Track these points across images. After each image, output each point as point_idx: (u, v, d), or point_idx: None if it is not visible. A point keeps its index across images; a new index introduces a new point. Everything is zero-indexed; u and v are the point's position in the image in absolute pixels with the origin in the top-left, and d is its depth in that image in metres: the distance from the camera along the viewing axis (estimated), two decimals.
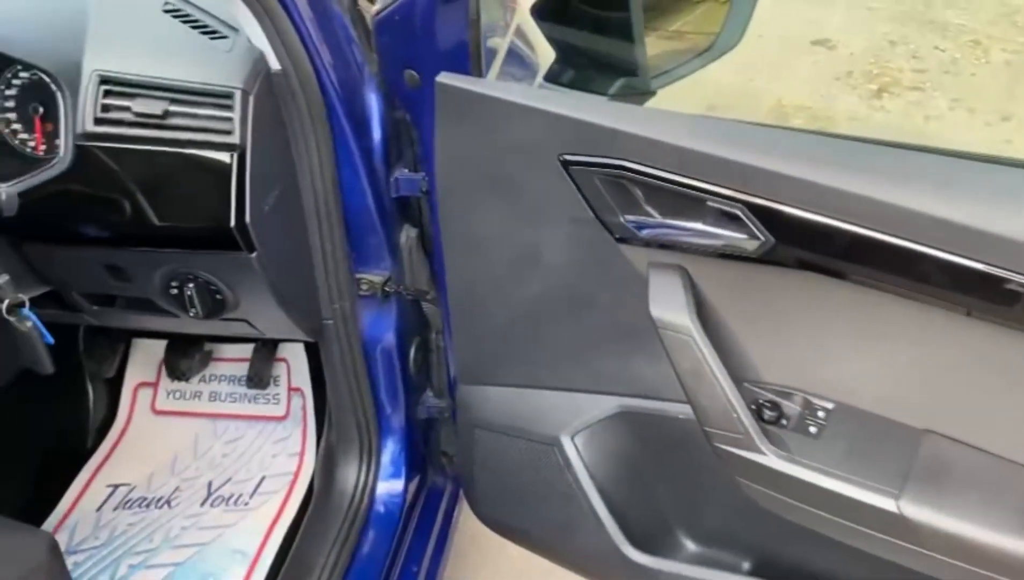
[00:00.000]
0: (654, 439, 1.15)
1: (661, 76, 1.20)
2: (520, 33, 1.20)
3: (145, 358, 1.82)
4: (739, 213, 0.91)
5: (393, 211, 1.35)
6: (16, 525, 1.13)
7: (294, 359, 1.77)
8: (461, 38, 1.05)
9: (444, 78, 1.03)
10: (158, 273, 1.17)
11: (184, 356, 1.72)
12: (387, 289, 1.35)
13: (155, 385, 1.82)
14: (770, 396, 1.04)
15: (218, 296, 1.19)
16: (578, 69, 1.17)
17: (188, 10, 1.17)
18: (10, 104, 1.14)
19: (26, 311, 1.06)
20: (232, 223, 1.08)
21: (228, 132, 1.07)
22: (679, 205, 0.96)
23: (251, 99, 1.08)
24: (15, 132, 1.15)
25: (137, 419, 1.80)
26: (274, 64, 1.12)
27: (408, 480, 1.49)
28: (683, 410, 1.07)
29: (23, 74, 1.13)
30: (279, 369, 1.78)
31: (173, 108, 1.07)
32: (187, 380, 1.76)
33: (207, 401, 1.81)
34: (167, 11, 1.16)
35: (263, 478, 1.68)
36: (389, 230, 1.35)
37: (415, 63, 1.10)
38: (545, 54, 1.13)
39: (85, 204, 1.10)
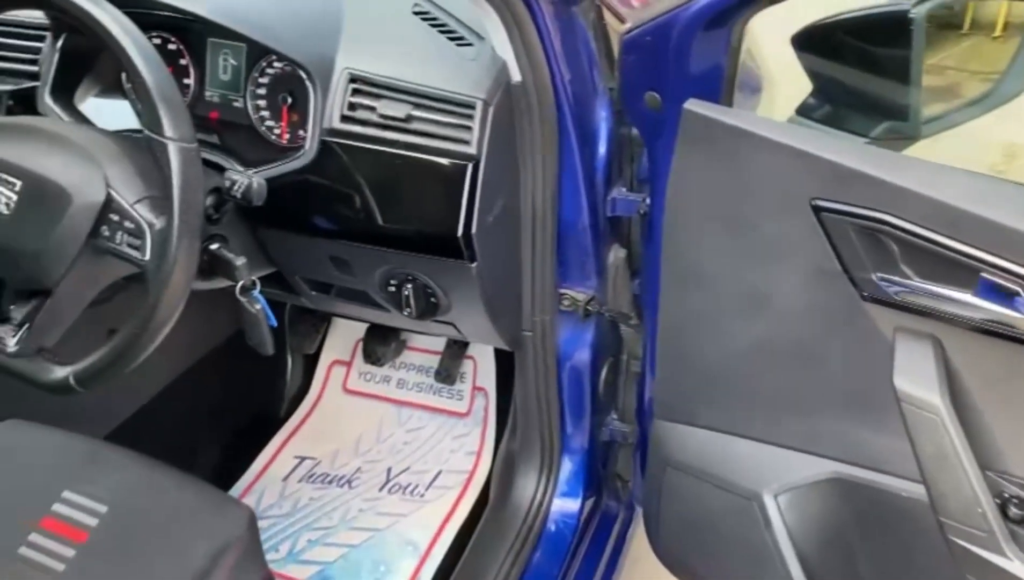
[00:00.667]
0: (869, 513, 1.06)
1: (933, 122, 1.09)
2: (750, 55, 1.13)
3: (343, 338, 1.89)
4: (1020, 290, 0.81)
5: (605, 230, 1.32)
6: (222, 497, 1.19)
7: (482, 359, 1.78)
8: (716, 65, 1.00)
9: (693, 105, 0.98)
10: (380, 270, 1.19)
11: (381, 342, 1.77)
12: (589, 308, 1.32)
13: (349, 364, 1.89)
14: (1018, 491, 0.93)
15: (432, 299, 1.20)
16: (837, 106, 1.09)
17: (437, 13, 1.17)
18: (261, 91, 1.19)
19: (256, 293, 1.10)
20: (459, 233, 1.07)
21: (466, 142, 1.06)
22: (943, 270, 0.86)
23: (491, 110, 1.08)
24: (263, 118, 1.19)
25: (328, 395, 1.87)
26: (515, 76, 1.11)
27: (584, 500, 1.46)
28: (911, 489, 0.98)
29: (277, 64, 1.17)
30: (466, 366, 1.80)
31: (416, 112, 1.08)
32: (380, 365, 1.81)
33: (395, 387, 1.85)
34: (417, 13, 1.17)
35: (440, 472, 1.70)
36: (598, 249, 1.32)
37: (660, 86, 1.05)
38: (800, 86, 1.06)
39: (321, 197, 1.14)
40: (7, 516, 1.13)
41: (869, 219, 0.89)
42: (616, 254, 1.34)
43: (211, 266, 1.10)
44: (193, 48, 1.22)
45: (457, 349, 1.77)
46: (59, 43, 1.18)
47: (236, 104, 1.21)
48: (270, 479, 1.71)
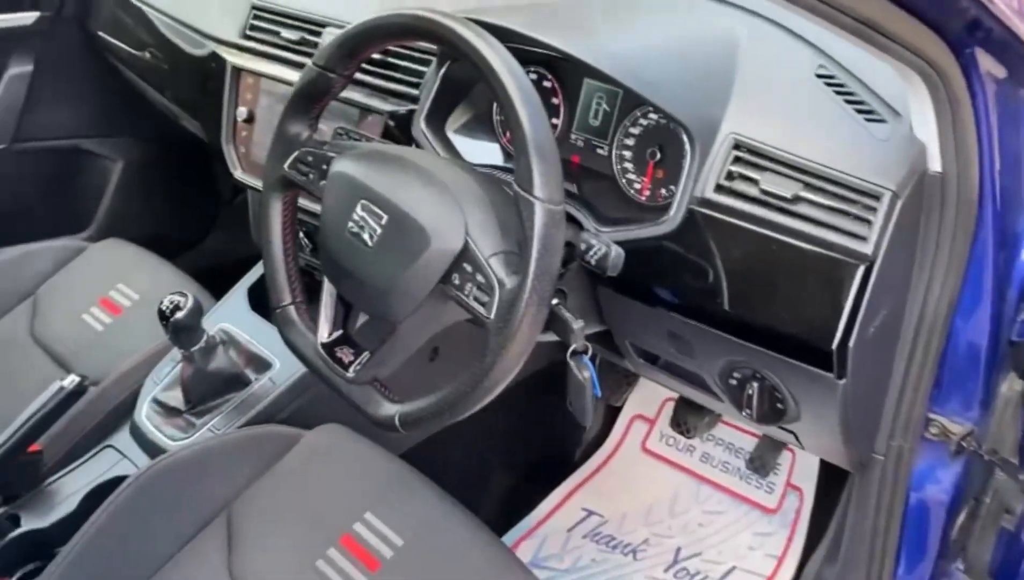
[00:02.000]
0: None
1: None
2: None
3: (651, 392, 1.78)
4: None
5: (1005, 354, 1.08)
6: (508, 559, 1.12)
7: (803, 454, 1.58)
8: None
9: None
10: (724, 359, 1.05)
11: (695, 413, 1.63)
12: (964, 444, 1.09)
13: (652, 422, 1.77)
14: None
15: (779, 405, 1.04)
16: None
17: (845, 79, 1.01)
18: (629, 142, 1.11)
19: (587, 360, 1.02)
20: (834, 345, 0.91)
21: (862, 238, 0.89)
22: None
23: (899, 204, 0.90)
24: (625, 170, 1.11)
25: (625, 450, 1.77)
26: (934, 164, 0.92)
27: None
28: None
29: (652, 116, 1.09)
30: (784, 458, 1.61)
31: (804, 193, 0.93)
32: (691, 437, 1.68)
33: (698, 459, 1.71)
34: (821, 76, 1.02)
35: (733, 568, 1.54)
36: (991, 375, 1.08)
37: None
38: None
39: (672, 268, 1.02)
40: (315, 524, 1.16)
41: None
42: (1012, 386, 1.10)
43: (548, 321, 1.04)
44: (567, 87, 1.17)
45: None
46: (442, 71, 1.18)
47: (600, 151, 1.14)
48: (554, 527, 1.65)
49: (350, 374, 0.99)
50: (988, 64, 0.89)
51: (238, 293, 1.52)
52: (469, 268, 0.89)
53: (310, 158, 1.03)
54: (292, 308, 1.07)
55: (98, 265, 1.71)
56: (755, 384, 1.03)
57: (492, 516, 1.62)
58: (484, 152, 1.21)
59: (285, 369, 1.37)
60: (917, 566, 1.23)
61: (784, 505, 1.59)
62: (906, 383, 1.05)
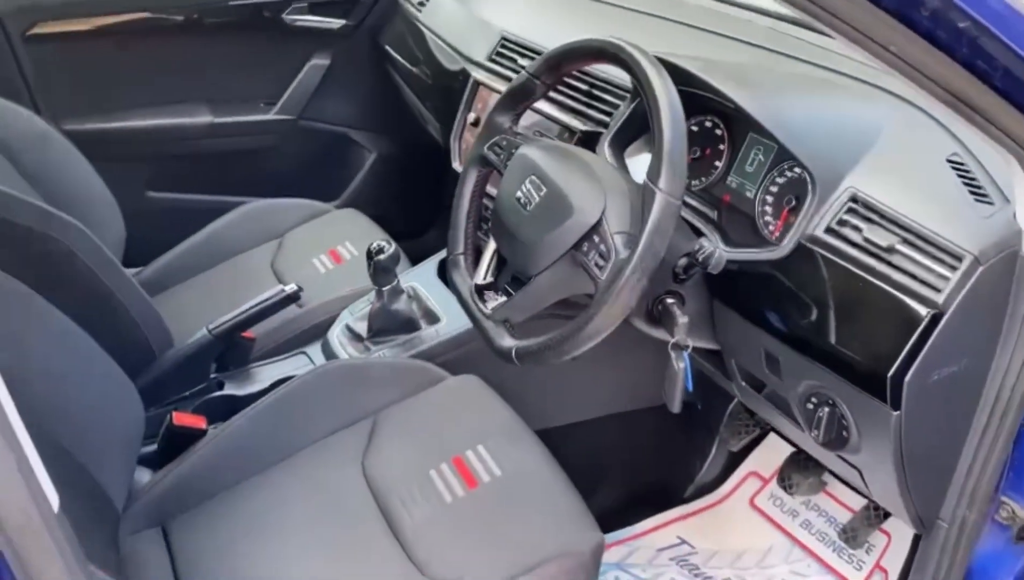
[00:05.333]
0: None
1: None
2: None
3: (770, 455, 1.87)
4: None
5: None
6: (584, 512, 1.29)
7: (898, 538, 1.62)
8: None
9: None
10: (805, 382, 1.19)
11: (801, 470, 1.72)
12: None
13: (765, 482, 1.86)
14: None
15: (844, 432, 1.16)
16: None
17: (972, 167, 1.14)
18: (773, 188, 1.27)
19: (686, 354, 1.19)
20: (890, 373, 1.03)
21: (937, 290, 1.01)
22: None
23: (979, 270, 1.01)
24: (764, 212, 1.28)
25: (734, 500, 1.87)
26: None
27: None
28: None
29: (795, 170, 1.25)
30: (878, 539, 1.65)
31: (900, 246, 1.07)
32: (792, 494, 1.75)
33: (798, 525, 1.77)
34: (951, 161, 1.15)
35: None
36: None
37: None
38: None
39: (776, 292, 1.18)
40: (437, 443, 1.40)
41: None
42: None
43: (660, 315, 1.23)
44: (733, 137, 1.36)
45: (875, 516, 1.63)
46: (632, 105, 1.42)
47: (747, 194, 1.31)
48: (647, 543, 1.78)
49: (488, 310, 1.24)
50: None
51: (431, 263, 1.83)
52: (597, 240, 1.11)
53: (504, 143, 1.30)
54: (461, 257, 1.34)
55: (335, 226, 2.08)
56: (826, 409, 1.15)
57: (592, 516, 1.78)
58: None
59: (450, 324, 1.64)
60: None
61: None
62: (978, 454, 1.13)
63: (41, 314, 1.22)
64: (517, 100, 1.32)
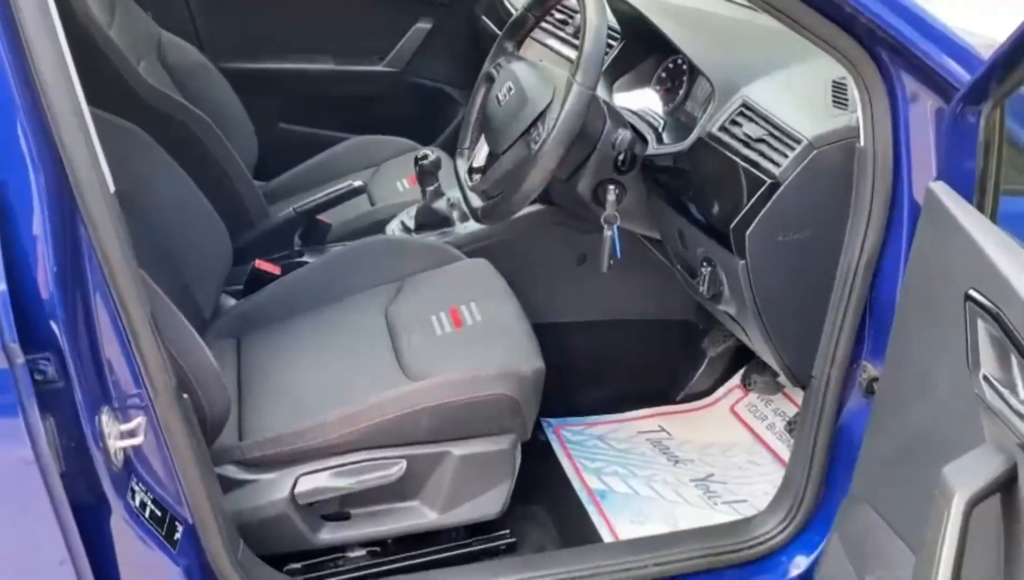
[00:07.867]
0: None
1: None
2: None
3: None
4: None
5: None
6: (535, 346, 1.65)
7: None
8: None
9: (937, 188, 1.07)
10: (699, 249, 1.50)
11: (758, 371, 1.99)
12: (872, 389, 1.37)
13: (746, 394, 2.13)
14: None
15: (720, 287, 1.46)
16: None
17: (848, 84, 1.41)
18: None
19: (615, 227, 1.54)
20: (732, 225, 1.34)
21: (777, 164, 1.31)
22: None
23: (812, 154, 1.30)
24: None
25: (716, 406, 2.15)
26: (862, 140, 1.29)
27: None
28: None
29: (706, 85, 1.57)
30: None
31: (766, 137, 1.37)
32: (751, 390, 2.03)
33: (765, 428, 2.04)
34: (835, 81, 1.43)
35: (743, 501, 1.87)
36: None
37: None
38: None
39: (682, 179, 1.51)
40: (443, 298, 1.80)
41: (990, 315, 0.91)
42: None
43: (601, 197, 1.58)
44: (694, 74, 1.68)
45: None
46: (618, 48, 1.77)
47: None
48: (631, 426, 2.10)
49: (471, 183, 1.64)
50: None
51: None
52: (540, 126, 1.48)
53: (500, 61, 1.69)
54: (466, 149, 1.74)
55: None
56: (710, 268, 1.47)
57: (585, 403, 2.12)
58: (634, 99, 1.77)
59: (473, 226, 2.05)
60: (840, 485, 1.48)
61: None
62: (834, 325, 1.37)
63: (163, 164, 1.73)
64: (516, 30, 1.72)
